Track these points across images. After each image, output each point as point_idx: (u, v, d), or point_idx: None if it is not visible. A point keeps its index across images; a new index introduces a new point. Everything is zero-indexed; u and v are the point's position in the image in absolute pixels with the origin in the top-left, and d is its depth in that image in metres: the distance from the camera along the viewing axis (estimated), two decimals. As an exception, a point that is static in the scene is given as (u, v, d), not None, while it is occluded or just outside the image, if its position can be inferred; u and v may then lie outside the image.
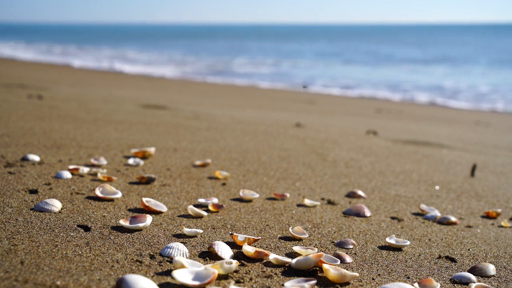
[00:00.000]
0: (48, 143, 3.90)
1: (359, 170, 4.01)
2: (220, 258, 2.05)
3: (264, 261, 2.07)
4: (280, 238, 2.39)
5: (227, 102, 9.55)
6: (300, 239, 2.39)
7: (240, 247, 2.20)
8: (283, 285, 1.86)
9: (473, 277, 2.07)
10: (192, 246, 2.18)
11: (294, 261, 2.02)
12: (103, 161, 3.44)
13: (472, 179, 4.05)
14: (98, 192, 2.66)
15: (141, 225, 2.28)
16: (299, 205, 2.95)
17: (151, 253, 2.04)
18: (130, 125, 5.18)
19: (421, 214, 3.00)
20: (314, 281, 1.84)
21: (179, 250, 2.04)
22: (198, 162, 3.68)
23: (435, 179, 3.92)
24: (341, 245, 2.35)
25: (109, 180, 3.02)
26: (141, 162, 3.54)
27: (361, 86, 16.43)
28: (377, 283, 1.98)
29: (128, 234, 2.22)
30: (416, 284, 1.94)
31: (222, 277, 1.87)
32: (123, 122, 5.34)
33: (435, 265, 2.23)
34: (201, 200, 2.78)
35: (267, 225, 2.56)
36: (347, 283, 1.94)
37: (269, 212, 2.77)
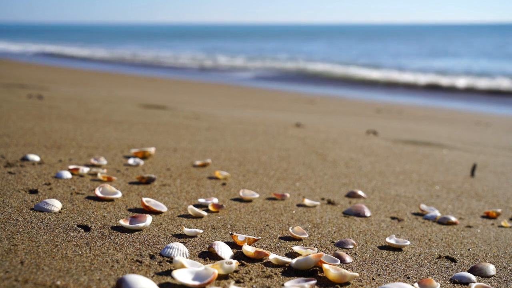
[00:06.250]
0: (48, 143, 3.90)
1: (359, 170, 4.01)
2: (220, 258, 2.05)
3: (264, 261, 2.07)
4: (280, 238, 2.39)
5: (227, 102, 9.54)
6: (300, 239, 2.39)
7: (240, 247, 2.20)
8: (283, 285, 1.86)
9: (473, 277, 2.07)
10: (192, 246, 2.18)
11: (294, 261, 2.02)
12: (103, 161, 3.44)
13: (472, 179, 4.05)
14: (98, 192, 2.66)
15: (141, 225, 2.28)
16: (299, 205, 2.95)
17: (151, 253, 2.04)
18: (130, 125, 5.18)
19: (421, 214, 3.00)
20: (314, 281, 1.84)
21: (179, 250, 2.04)
22: (198, 162, 3.68)
23: (435, 179, 3.92)
24: (341, 245, 2.35)
25: (109, 180, 3.02)
26: (141, 162, 3.54)
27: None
28: (377, 283, 1.98)
29: (128, 234, 2.22)
30: (416, 284, 1.94)
31: (222, 277, 1.87)
32: (123, 122, 5.34)
33: (435, 265, 2.23)
34: (201, 200, 2.78)
35: (267, 225, 2.56)
36: (347, 283, 1.94)
37: (269, 212, 2.77)
